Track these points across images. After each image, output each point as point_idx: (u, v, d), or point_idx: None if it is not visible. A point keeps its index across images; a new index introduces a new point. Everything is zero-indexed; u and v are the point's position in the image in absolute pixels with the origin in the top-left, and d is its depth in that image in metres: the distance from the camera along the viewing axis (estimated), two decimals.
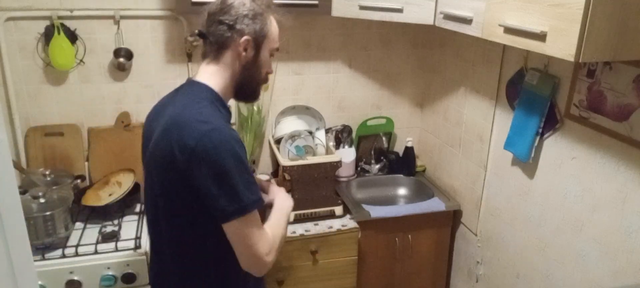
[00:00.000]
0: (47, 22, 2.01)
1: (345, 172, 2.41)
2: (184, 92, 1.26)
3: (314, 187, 2.10)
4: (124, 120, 2.18)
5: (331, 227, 2.10)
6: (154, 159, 1.21)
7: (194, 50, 2.19)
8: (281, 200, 1.41)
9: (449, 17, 1.73)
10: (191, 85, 1.26)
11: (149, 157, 1.24)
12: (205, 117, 1.14)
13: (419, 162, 2.57)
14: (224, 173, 1.11)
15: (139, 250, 1.83)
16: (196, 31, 1.29)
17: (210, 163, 1.10)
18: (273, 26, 1.31)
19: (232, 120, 2.32)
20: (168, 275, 1.33)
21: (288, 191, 2.12)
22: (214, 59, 1.26)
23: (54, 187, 1.94)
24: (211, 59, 1.27)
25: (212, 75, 1.26)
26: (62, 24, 2.01)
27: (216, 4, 1.26)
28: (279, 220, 1.31)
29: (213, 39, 1.25)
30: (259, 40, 1.26)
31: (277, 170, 2.42)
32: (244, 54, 1.25)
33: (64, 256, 1.78)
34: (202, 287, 1.29)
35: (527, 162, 1.80)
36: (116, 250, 1.82)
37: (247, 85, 1.29)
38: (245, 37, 1.23)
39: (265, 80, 1.35)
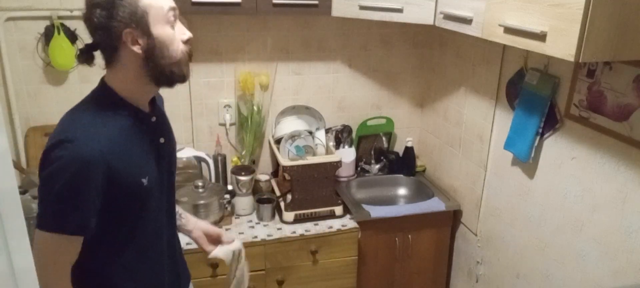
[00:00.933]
0: (47, 22, 2.01)
1: (345, 172, 2.41)
2: (89, 95, 1.18)
3: (314, 187, 2.10)
4: None
5: (331, 227, 2.10)
6: None
7: (194, 50, 2.19)
8: None
9: (449, 17, 1.73)
10: (98, 87, 1.18)
11: None
12: (65, 125, 1.10)
13: (419, 162, 2.57)
14: (41, 186, 1.08)
15: None
16: (83, 48, 1.16)
17: (41, 171, 1.08)
18: None
19: (232, 121, 2.34)
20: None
21: (288, 191, 2.14)
22: (112, 62, 1.13)
23: None
24: (110, 63, 1.14)
25: (114, 75, 1.15)
26: (62, 24, 2.01)
27: (85, 9, 1.10)
28: None
29: (100, 48, 1.13)
30: (141, 23, 1.07)
31: (277, 170, 2.42)
32: (136, 47, 1.09)
33: None
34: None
35: (527, 162, 1.80)
36: None
37: (164, 70, 1.13)
38: (126, 32, 1.07)
39: (187, 50, 1.17)
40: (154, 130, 1.23)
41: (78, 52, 1.16)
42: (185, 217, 1.48)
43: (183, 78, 1.17)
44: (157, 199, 1.24)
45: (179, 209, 1.47)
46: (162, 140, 1.25)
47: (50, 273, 1.09)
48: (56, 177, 1.04)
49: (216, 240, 1.47)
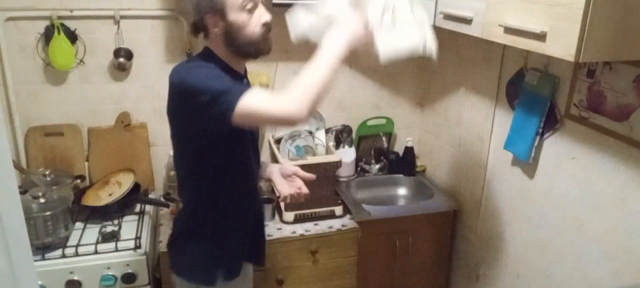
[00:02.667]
0: (47, 22, 2.01)
1: (345, 172, 2.41)
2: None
3: (314, 187, 2.09)
4: (124, 120, 2.18)
5: (331, 227, 2.09)
6: (168, 115, 1.41)
7: (195, 49, 2.19)
8: (335, 31, 1.30)
9: (449, 17, 1.73)
10: (203, 51, 1.42)
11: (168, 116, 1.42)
12: (192, 60, 1.39)
13: (419, 162, 2.57)
14: (203, 82, 1.26)
15: (139, 250, 1.83)
16: (192, 24, 1.41)
17: (187, 82, 1.29)
18: None
19: None
20: (183, 214, 1.54)
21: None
22: (207, 36, 1.39)
23: (54, 187, 1.94)
24: (206, 36, 1.39)
25: (211, 45, 1.40)
26: (62, 24, 2.01)
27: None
28: (316, 62, 1.27)
29: (200, 24, 1.37)
30: (221, 11, 1.31)
31: None
32: (216, 30, 1.34)
33: (64, 256, 1.78)
34: (204, 217, 1.49)
35: (527, 162, 1.80)
36: (116, 250, 1.82)
37: (239, 47, 1.36)
38: (208, 17, 1.32)
39: (265, 32, 1.38)
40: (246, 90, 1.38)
41: (192, 25, 1.39)
42: (269, 167, 1.74)
43: (259, 53, 1.39)
44: (248, 147, 1.48)
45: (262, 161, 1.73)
46: None
47: (291, 101, 1.22)
48: (201, 69, 1.33)
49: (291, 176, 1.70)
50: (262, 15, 1.37)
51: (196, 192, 1.47)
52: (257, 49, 1.38)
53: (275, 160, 2.40)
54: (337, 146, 2.43)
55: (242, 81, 1.45)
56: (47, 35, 2.01)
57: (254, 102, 1.22)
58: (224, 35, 1.34)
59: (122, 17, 2.08)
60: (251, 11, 1.34)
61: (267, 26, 1.38)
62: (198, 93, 1.24)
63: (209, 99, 1.22)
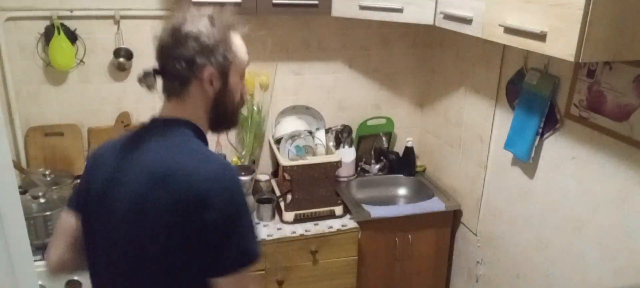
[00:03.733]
0: (47, 22, 2.01)
1: (345, 172, 2.41)
2: (160, 132, 1.10)
3: (314, 187, 2.10)
4: (124, 120, 2.18)
5: (331, 227, 2.09)
6: (142, 214, 1.02)
7: None
8: None
9: (449, 17, 1.73)
10: (166, 123, 1.11)
11: (128, 212, 1.04)
12: (207, 155, 1.06)
13: (419, 162, 2.57)
14: (236, 219, 1.01)
15: None
16: (149, 70, 1.13)
17: (223, 206, 0.99)
18: (238, 46, 1.13)
19: None
20: None
21: (288, 191, 2.14)
22: (179, 95, 1.10)
23: (54, 187, 1.94)
24: (175, 95, 1.10)
25: (182, 109, 1.11)
26: (62, 24, 2.01)
27: (168, 36, 1.09)
28: None
29: (171, 77, 1.09)
30: (224, 68, 1.09)
31: (277, 170, 2.42)
32: (210, 88, 1.08)
33: None
34: None
35: (527, 162, 1.80)
36: None
37: (222, 116, 1.14)
38: (208, 71, 1.06)
39: (242, 104, 1.19)
40: None
41: (142, 75, 1.13)
42: None
43: (235, 124, 1.21)
44: None
45: None
46: None
47: None
48: (238, 200, 1.02)
49: None
50: (245, 86, 1.19)
51: None
52: (233, 121, 1.18)
53: (275, 160, 2.41)
54: (337, 146, 2.43)
55: None
56: (47, 35, 2.01)
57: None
58: (214, 97, 1.10)
59: (122, 17, 2.08)
60: (243, 78, 1.17)
61: (244, 101, 1.20)
62: (230, 229, 1.00)
63: (232, 243, 1.00)
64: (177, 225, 0.99)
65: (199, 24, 1.07)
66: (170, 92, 1.11)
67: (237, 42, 1.13)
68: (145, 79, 1.12)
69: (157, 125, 1.12)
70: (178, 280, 1.04)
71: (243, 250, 1.02)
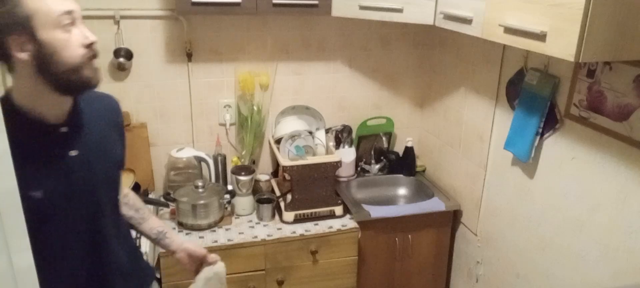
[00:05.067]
0: None
1: (345, 172, 2.41)
2: None
3: (314, 187, 2.10)
4: (124, 120, 2.18)
5: (331, 227, 2.09)
6: None
7: (195, 49, 2.19)
8: None
9: (449, 17, 1.73)
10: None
11: None
12: None
13: (419, 162, 2.57)
14: None
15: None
16: None
17: None
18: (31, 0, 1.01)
19: (232, 121, 2.34)
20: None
21: (288, 191, 2.14)
22: (10, 71, 1.06)
23: None
24: (9, 72, 1.06)
25: (15, 85, 1.07)
26: None
27: None
28: None
29: None
30: (26, 29, 0.99)
31: (277, 170, 2.42)
32: (22, 55, 1.01)
33: None
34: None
35: (527, 162, 1.80)
36: None
37: (59, 77, 1.05)
38: (10, 38, 0.99)
39: (90, 55, 1.08)
40: (63, 142, 1.13)
41: None
42: (170, 237, 1.44)
43: (85, 84, 1.10)
44: (64, 218, 1.14)
45: (165, 228, 1.44)
46: (72, 153, 1.14)
47: None
48: None
49: (201, 261, 1.41)
50: (85, 35, 1.07)
51: None
52: (82, 77, 1.07)
53: (275, 160, 2.41)
54: (337, 146, 2.43)
55: (56, 131, 1.12)
56: None
57: None
58: (34, 62, 1.01)
59: (122, 17, 2.08)
60: (68, 30, 1.04)
61: (91, 49, 1.08)
62: None
63: None
64: None
65: None
66: (8, 72, 1.07)
67: None
68: None
69: None
70: None
71: None
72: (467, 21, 1.61)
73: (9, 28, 0.99)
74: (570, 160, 1.63)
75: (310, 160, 2.10)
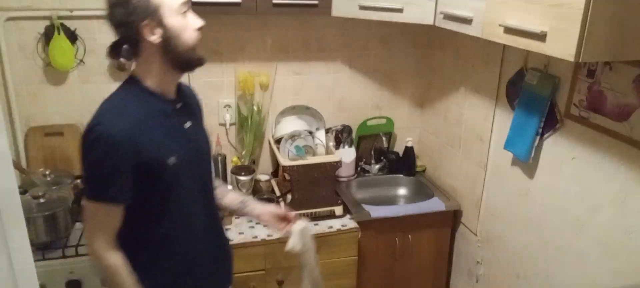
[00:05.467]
0: (47, 22, 2.01)
1: (345, 172, 2.41)
2: (120, 86, 1.31)
3: (314, 187, 2.10)
4: None
5: (331, 227, 2.09)
6: None
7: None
8: None
9: (449, 17, 1.73)
10: (127, 78, 1.31)
11: None
12: (97, 112, 1.24)
13: (419, 162, 2.57)
14: (85, 166, 1.22)
15: None
16: (110, 45, 1.28)
17: (82, 153, 1.22)
18: None
19: (232, 121, 2.34)
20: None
21: (288, 191, 2.14)
22: (136, 55, 1.26)
23: (54, 187, 1.94)
24: (135, 56, 1.27)
25: (140, 67, 1.28)
26: (62, 24, 2.01)
27: (106, 9, 1.23)
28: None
29: (124, 42, 1.25)
30: (155, 16, 1.20)
31: (277, 170, 2.42)
32: (153, 38, 1.21)
33: (64, 256, 1.78)
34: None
35: (527, 162, 1.80)
36: None
37: (179, 58, 1.26)
38: (142, 24, 1.19)
39: (200, 37, 1.29)
40: (180, 115, 1.34)
41: (108, 50, 1.28)
42: (251, 205, 1.60)
43: (200, 61, 1.30)
44: (188, 179, 1.34)
45: (244, 198, 1.62)
46: (187, 124, 1.36)
47: (97, 237, 1.25)
48: (91, 155, 1.20)
49: (284, 218, 1.57)
50: (196, 20, 1.29)
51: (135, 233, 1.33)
52: (197, 55, 1.29)
53: (275, 160, 2.41)
54: (337, 146, 2.43)
55: (174, 107, 1.33)
56: (47, 35, 2.01)
57: (87, 216, 1.26)
58: (162, 43, 1.22)
59: None
60: (185, 16, 1.26)
61: (201, 32, 1.29)
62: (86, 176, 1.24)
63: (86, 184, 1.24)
64: None
65: None
66: (133, 56, 1.27)
67: None
68: (111, 54, 1.29)
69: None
70: None
71: (86, 188, 1.24)
72: (467, 21, 1.61)
73: (143, 15, 1.19)
74: (570, 160, 1.63)
75: (310, 160, 2.10)
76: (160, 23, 1.20)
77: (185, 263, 1.38)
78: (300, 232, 1.52)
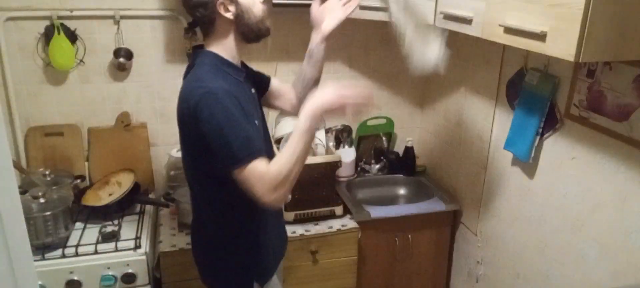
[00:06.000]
0: (47, 22, 2.01)
1: (345, 172, 2.41)
2: (194, 63, 1.39)
3: (314, 187, 2.10)
4: (124, 120, 2.18)
5: (331, 227, 2.10)
6: (178, 125, 1.38)
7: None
8: (304, 113, 1.33)
9: (449, 17, 1.73)
10: (197, 55, 1.40)
11: (178, 125, 1.39)
12: (201, 81, 1.29)
13: (419, 162, 2.57)
14: (218, 131, 1.23)
15: (139, 250, 1.83)
16: (185, 27, 1.43)
17: (206, 122, 1.24)
18: None
19: None
20: (202, 225, 1.51)
21: None
22: (211, 32, 1.38)
23: (54, 187, 1.94)
24: (209, 33, 1.38)
25: (214, 43, 1.38)
26: (62, 24, 2.01)
27: None
28: (290, 147, 1.29)
29: (200, 23, 1.38)
30: None
31: None
32: (228, 14, 1.33)
33: (64, 256, 1.78)
34: (227, 229, 1.46)
35: (527, 162, 1.80)
36: (116, 250, 1.82)
37: (251, 30, 1.38)
38: (218, 3, 1.32)
39: (267, 10, 1.41)
40: (247, 82, 1.47)
41: (186, 28, 1.46)
42: (312, 47, 1.72)
43: (268, 31, 1.42)
44: (266, 141, 1.47)
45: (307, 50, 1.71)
46: (252, 90, 1.49)
47: (269, 191, 1.24)
48: (220, 114, 1.23)
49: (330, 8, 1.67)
50: None
51: (216, 204, 1.44)
52: (266, 25, 1.41)
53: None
54: (337, 146, 2.43)
55: (243, 77, 1.44)
56: (47, 35, 2.01)
57: (251, 178, 1.23)
58: (236, 18, 1.35)
59: (122, 17, 2.08)
60: None
61: (266, 3, 1.41)
62: (218, 137, 1.24)
63: (223, 147, 1.24)
64: (185, 134, 1.36)
65: None
66: (204, 33, 1.40)
67: None
68: (188, 32, 1.50)
69: (196, 57, 1.40)
70: (204, 176, 1.40)
71: (230, 154, 1.24)
72: (467, 21, 1.61)
73: None
74: (570, 160, 1.63)
75: (310, 160, 2.10)
76: (232, 1, 1.33)
77: (265, 222, 1.51)
78: None
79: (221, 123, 1.23)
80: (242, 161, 1.23)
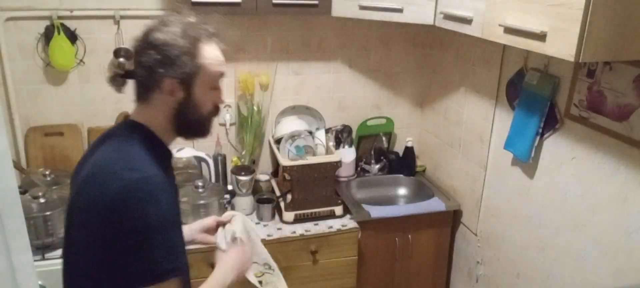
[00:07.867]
0: (47, 22, 2.01)
1: (345, 172, 2.41)
2: (118, 133, 1.11)
3: (314, 187, 2.10)
4: None
5: (331, 227, 2.09)
6: (75, 211, 1.07)
7: None
8: (231, 268, 1.19)
9: (449, 17, 1.73)
10: (126, 125, 1.12)
11: (69, 209, 1.09)
12: (133, 162, 1.02)
13: (419, 162, 2.57)
14: (145, 232, 0.96)
15: None
16: (120, 72, 1.13)
17: (135, 219, 0.96)
18: (209, 58, 1.11)
19: (232, 121, 2.34)
20: None
21: (288, 191, 2.14)
22: (144, 99, 1.10)
23: (54, 187, 1.94)
24: (141, 99, 1.11)
25: (145, 113, 1.11)
26: (62, 24, 2.01)
27: (140, 40, 1.07)
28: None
29: (137, 83, 1.10)
30: (188, 80, 1.06)
31: (277, 170, 2.42)
32: (171, 98, 1.07)
33: None
34: None
35: (527, 162, 1.80)
36: None
37: (187, 125, 1.13)
38: (168, 82, 1.05)
39: (215, 113, 1.16)
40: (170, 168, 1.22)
41: (111, 76, 1.13)
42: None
43: (206, 133, 1.18)
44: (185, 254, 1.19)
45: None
46: (175, 174, 1.27)
47: None
48: (152, 213, 0.97)
49: (218, 225, 1.36)
50: (221, 96, 1.17)
51: None
52: (202, 130, 1.16)
53: (275, 160, 2.41)
54: (337, 146, 2.43)
55: (169, 165, 1.18)
56: (47, 35, 2.01)
57: None
58: (176, 107, 1.09)
59: (122, 17, 2.08)
60: (216, 89, 1.15)
61: (218, 110, 1.17)
62: (143, 240, 0.96)
63: (143, 254, 0.96)
64: (90, 226, 1.00)
65: (169, 31, 1.05)
66: (136, 95, 1.11)
67: (209, 54, 1.11)
68: (113, 81, 1.12)
69: (121, 126, 1.13)
70: (98, 282, 1.02)
71: (151, 267, 0.97)
72: (467, 21, 1.61)
73: (174, 73, 1.04)
74: (570, 160, 1.63)
75: (310, 160, 2.10)
76: (187, 88, 1.07)
77: None
78: (242, 223, 1.32)
79: (152, 224, 0.96)
80: (160, 277, 0.97)
